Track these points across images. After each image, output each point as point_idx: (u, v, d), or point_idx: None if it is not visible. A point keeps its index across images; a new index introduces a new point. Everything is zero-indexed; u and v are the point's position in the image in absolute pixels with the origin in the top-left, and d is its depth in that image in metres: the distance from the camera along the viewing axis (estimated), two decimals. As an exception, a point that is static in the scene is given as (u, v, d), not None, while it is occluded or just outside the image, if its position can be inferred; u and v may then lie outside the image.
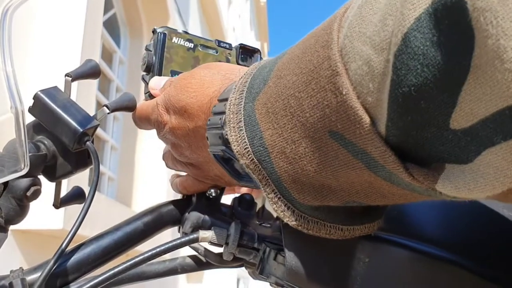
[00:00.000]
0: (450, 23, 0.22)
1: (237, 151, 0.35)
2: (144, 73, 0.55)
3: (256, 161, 0.35)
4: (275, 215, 0.37)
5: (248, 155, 0.35)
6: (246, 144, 0.35)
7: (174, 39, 0.55)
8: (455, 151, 0.25)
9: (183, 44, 0.55)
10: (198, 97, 0.43)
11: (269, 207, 0.53)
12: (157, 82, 0.52)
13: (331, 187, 0.33)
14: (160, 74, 0.54)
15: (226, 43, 0.58)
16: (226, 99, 0.38)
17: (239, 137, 0.35)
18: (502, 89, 0.21)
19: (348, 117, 0.28)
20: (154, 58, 0.54)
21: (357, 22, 0.28)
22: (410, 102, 0.24)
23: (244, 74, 0.38)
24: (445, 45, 0.22)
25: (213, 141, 0.40)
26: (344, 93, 0.27)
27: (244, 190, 0.58)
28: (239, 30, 11.07)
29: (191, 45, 0.56)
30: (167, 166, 0.55)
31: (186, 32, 0.56)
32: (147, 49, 0.55)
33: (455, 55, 0.22)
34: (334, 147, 0.30)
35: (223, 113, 0.38)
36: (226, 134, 0.36)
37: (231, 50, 0.59)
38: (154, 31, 0.55)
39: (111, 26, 4.07)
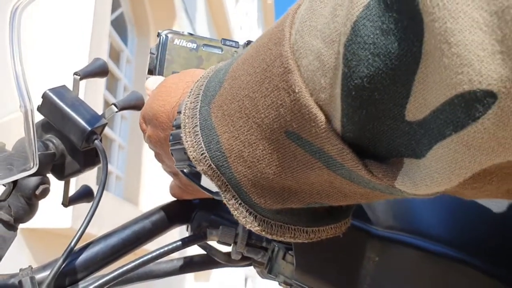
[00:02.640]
0: (399, 8, 0.21)
1: (193, 157, 0.33)
2: (148, 75, 0.55)
3: (214, 166, 0.33)
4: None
5: (206, 161, 0.33)
6: (203, 150, 0.33)
7: (176, 41, 0.55)
8: (412, 144, 0.23)
9: (185, 45, 0.55)
10: (165, 106, 0.42)
11: None
12: (153, 83, 0.51)
13: (291, 189, 0.31)
14: (161, 76, 0.54)
15: (233, 41, 0.58)
16: None
17: (195, 142, 0.33)
18: (450, 76, 0.19)
19: (302, 115, 0.27)
20: (155, 60, 0.54)
21: (308, 16, 0.26)
22: (363, 95, 0.23)
23: (201, 77, 0.36)
24: (395, 33, 0.21)
25: (178, 156, 0.37)
26: (297, 91, 0.26)
27: None
28: (246, 28, 11.06)
29: (193, 45, 0.56)
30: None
31: (190, 34, 0.56)
32: (151, 52, 0.56)
33: (406, 43, 0.21)
34: (291, 147, 0.29)
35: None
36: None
37: (238, 48, 0.59)
38: (158, 35, 0.56)
39: (118, 25, 4.08)
